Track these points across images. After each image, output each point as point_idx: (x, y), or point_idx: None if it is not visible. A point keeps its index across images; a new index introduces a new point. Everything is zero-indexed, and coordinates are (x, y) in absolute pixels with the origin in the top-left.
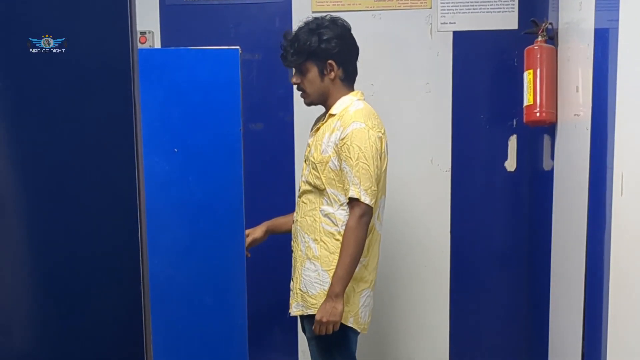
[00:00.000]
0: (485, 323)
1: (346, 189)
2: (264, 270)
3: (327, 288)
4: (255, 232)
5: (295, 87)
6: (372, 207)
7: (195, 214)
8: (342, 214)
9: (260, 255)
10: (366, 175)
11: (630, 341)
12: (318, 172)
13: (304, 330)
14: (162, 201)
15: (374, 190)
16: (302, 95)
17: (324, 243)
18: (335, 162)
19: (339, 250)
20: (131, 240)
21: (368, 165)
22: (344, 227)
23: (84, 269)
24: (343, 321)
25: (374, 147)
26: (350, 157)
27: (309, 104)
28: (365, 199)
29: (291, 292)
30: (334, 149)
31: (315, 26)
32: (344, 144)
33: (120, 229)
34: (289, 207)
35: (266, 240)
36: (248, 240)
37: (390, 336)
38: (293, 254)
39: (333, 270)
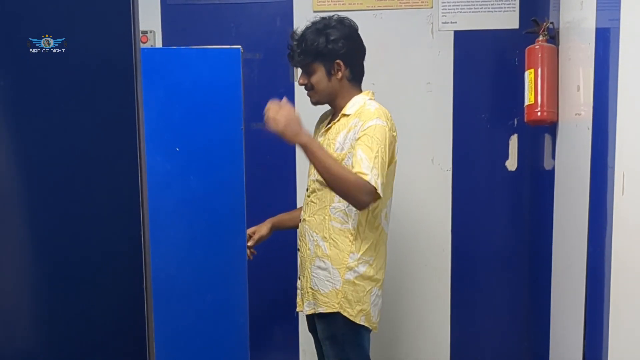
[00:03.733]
0: (486, 322)
1: (358, 172)
2: (265, 269)
3: (338, 286)
4: (262, 229)
5: (302, 86)
6: (379, 197)
7: (197, 213)
8: (352, 211)
9: (262, 253)
10: (382, 170)
11: (631, 341)
12: None
13: (312, 331)
14: (164, 200)
15: (384, 184)
16: (308, 94)
17: (334, 241)
18: (351, 158)
19: (349, 248)
20: (133, 239)
21: (385, 162)
22: (354, 224)
23: (87, 267)
24: (355, 320)
25: (391, 148)
26: (370, 148)
27: (315, 103)
28: (379, 188)
29: (299, 291)
30: (352, 144)
31: (323, 26)
32: (365, 134)
33: (122, 227)
34: (290, 206)
35: (267, 239)
36: (255, 237)
37: (391, 335)
38: (300, 253)
39: (344, 268)
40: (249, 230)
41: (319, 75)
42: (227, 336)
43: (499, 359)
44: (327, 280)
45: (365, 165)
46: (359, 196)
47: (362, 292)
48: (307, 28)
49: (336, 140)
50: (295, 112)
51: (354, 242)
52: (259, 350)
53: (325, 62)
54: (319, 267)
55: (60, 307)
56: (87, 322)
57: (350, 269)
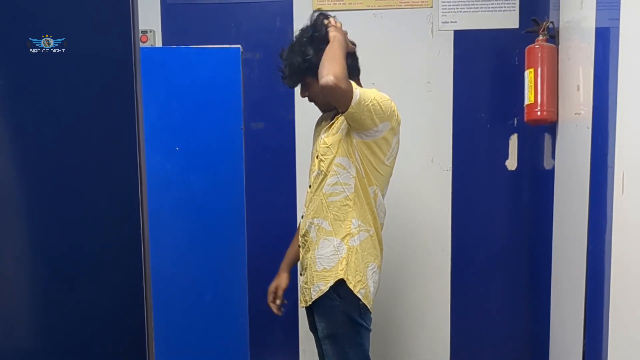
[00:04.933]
0: (486, 322)
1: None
2: (265, 269)
3: (343, 254)
4: (282, 282)
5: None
6: (350, 94)
7: (197, 213)
8: (348, 177)
9: (261, 253)
10: (366, 98)
11: (631, 340)
12: (327, 155)
13: (312, 329)
14: (163, 199)
15: (361, 104)
16: (316, 105)
17: (335, 214)
18: (345, 127)
19: (350, 215)
20: (133, 239)
21: (378, 102)
22: (351, 191)
23: (87, 266)
24: (354, 290)
25: (388, 108)
26: (364, 90)
27: (324, 111)
28: (356, 94)
29: (302, 287)
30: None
31: (299, 43)
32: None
33: (122, 227)
34: (290, 205)
35: (266, 238)
36: (280, 293)
37: (391, 334)
38: (302, 250)
39: (348, 236)
40: (271, 288)
41: (316, 87)
42: (227, 336)
43: (499, 359)
44: (333, 255)
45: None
46: (341, 80)
47: (361, 263)
48: (290, 47)
49: (336, 126)
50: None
51: (353, 208)
52: (259, 350)
53: (316, 74)
54: (324, 247)
55: (60, 306)
56: (87, 321)
57: (353, 235)
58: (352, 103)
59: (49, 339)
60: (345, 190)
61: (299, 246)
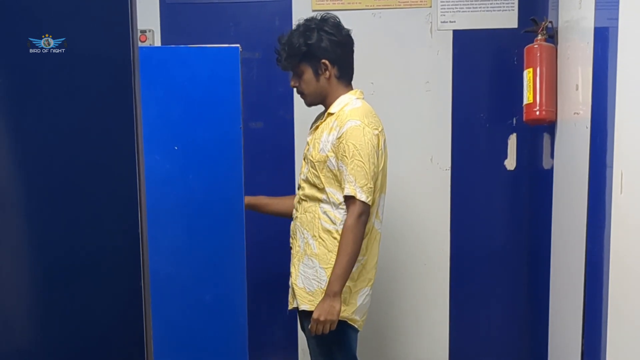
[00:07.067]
0: (485, 321)
1: (342, 188)
2: (263, 268)
3: (324, 286)
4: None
5: (294, 89)
6: (369, 205)
7: (196, 212)
8: (340, 213)
9: (260, 252)
10: (361, 173)
11: (630, 340)
12: (317, 171)
13: (303, 329)
14: (162, 199)
15: (370, 187)
16: (301, 97)
17: (323, 241)
18: (333, 162)
19: (336, 249)
20: (132, 238)
21: (363, 163)
22: (342, 226)
23: (85, 266)
24: (340, 318)
25: (370, 144)
26: (345, 156)
27: (309, 104)
28: (361, 197)
29: (290, 289)
30: (332, 149)
31: (305, 28)
32: (340, 142)
33: (120, 226)
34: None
35: (266, 238)
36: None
37: (390, 335)
38: (292, 251)
39: (330, 268)
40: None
41: (308, 77)
42: (225, 335)
43: (498, 358)
44: (314, 279)
45: (350, 186)
46: (363, 222)
47: (347, 292)
48: (292, 32)
49: (320, 140)
50: (316, 315)
51: None
52: (257, 350)
53: (312, 63)
54: (307, 266)
55: (58, 305)
56: (85, 321)
57: None
58: (366, 199)
59: (47, 339)
60: (336, 224)
61: (292, 218)
